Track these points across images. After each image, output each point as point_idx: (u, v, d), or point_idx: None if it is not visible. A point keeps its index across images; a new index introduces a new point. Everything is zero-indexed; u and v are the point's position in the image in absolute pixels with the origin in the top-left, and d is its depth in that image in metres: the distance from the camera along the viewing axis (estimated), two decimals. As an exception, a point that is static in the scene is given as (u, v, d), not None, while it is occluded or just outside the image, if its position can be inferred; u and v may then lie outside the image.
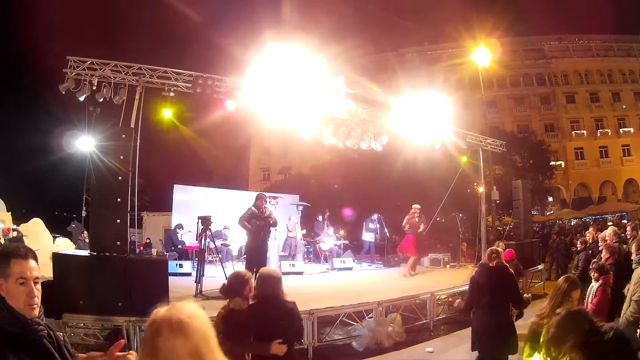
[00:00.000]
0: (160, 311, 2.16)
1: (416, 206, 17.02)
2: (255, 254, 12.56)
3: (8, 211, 23.74)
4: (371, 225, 20.39)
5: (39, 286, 2.73)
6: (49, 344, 2.64)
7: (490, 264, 7.47)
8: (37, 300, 2.68)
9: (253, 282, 5.40)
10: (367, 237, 20.56)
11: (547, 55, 58.77)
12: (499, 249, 7.87)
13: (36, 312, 2.68)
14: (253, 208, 12.71)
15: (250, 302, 5.28)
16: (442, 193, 19.27)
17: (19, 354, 2.46)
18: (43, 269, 9.80)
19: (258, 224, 12.42)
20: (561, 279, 5.57)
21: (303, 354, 9.53)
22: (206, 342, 2.16)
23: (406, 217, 16.95)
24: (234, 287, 5.34)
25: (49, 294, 9.28)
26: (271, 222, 12.89)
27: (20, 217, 23.21)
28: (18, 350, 2.48)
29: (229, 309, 5.22)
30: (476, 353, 7.44)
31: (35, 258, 2.79)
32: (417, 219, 16.82)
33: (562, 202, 54.75)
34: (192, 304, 2.26)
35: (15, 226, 19.92)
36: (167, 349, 2.08)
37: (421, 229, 16.86)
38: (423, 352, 10.62)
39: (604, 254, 9.55)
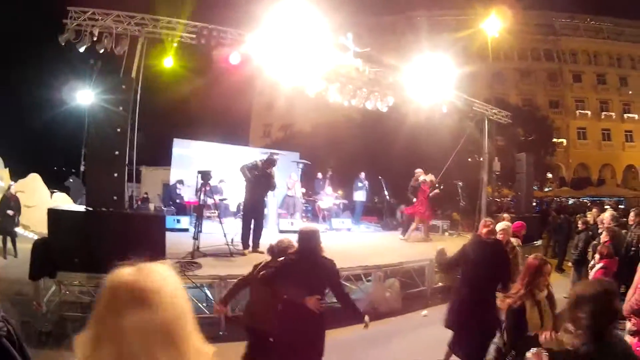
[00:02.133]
0: (122, 273, 1.67)
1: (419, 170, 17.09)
2: (251, 208, 12.40)
3: (6, 167, 23.58)
4: (359, 184, 20.40)
5: None
6: (9, 343, 2.29)
7: (485, 238, 7.21)
8: None
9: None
10: (356, 196, 20.60)
11: (557, 32, 58.31)
12: (490, 221, 7.59)
13: None
14: (259, 162, 12.53)
15: (289, 255, 5.81)
16: (444, 159, 19.17)
17: None
18: (40, 225, 9.64)
19: (257, 175, 12.26)
20: (530, 257, 5.68)
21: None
22: (179, 319, 1.64)
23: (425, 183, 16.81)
24: (279, 251, 6.06)
25: (44, 251, 9.21)
26: (270, 181, 12.75)
27: (19, 173, 23.03)
28: None
29: (263, 263, 6.08)
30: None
31: None
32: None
33: (561, 180, 54.70)
34: (164, 267, 1.73)
35: (12, 183, 19.71)
36: (127, 325, 1.55)
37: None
38: (419, 319, 10.59)
39: (604, 237, 9.45)
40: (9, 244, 15.18)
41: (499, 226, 8.29)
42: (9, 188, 16.69)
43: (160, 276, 1.66)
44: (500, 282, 6.84)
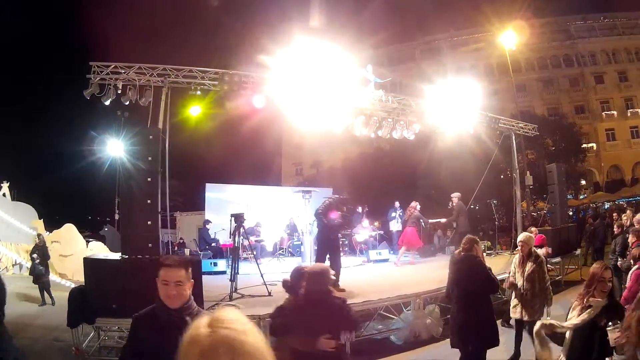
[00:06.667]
0: (199, 327, 1.64)
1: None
2: (325, 247, 12.02)
3: (40, 218, 23.98)
4: (393, 214, 20.44)
5: (182, 287, 3.59)
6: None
7: (460, 254, 7.31)
8: (174, 295, 3.55)
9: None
10: (392, 226, 20.61)
11: (573, 35, 57.78)
12: (475, 237, 7.57)
13: (175, 304, 3.55)
14: (333, 203, 12.23)
15: (296, 301, 5.36)
16: (476, 179, 19.08)
17: (157, 332, 3.40)
18: (78, 273, 9.87)
19: (336, 218, 11.95)
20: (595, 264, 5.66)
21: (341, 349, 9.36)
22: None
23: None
24: (293, 282, 5.62)
25: (81, 298, 9.35)
26: (345, 220, 12.75)
27: (53, 223, 23.42)
28: (157, 330, 3.44)
29: (278, 306, 5.45)
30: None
31: (183, 267, 3.68)
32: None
33: (595, 185, 53.93)
34: (235, 312, 1.71)
35: (41, 233, 20.02)
36: None
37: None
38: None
39: (631, 238, 9.32)
40: (46, 292, 15.37)
41: (519, 237, 8.71)
42: (38, 237, 16.89)
43: (237, 322, 1.65)
44: (485, 291, 6.98)
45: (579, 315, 5.25)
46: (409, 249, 17.15)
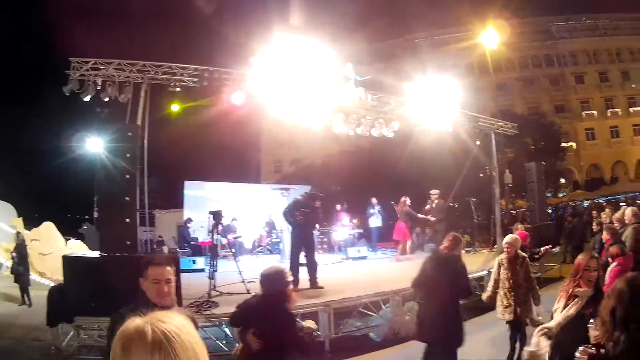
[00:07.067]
0: (134, 322, 1.60)
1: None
2: (299, 244, 12.02)
3: (19, 217, 23.74)
4: (371, 211, 20.46)
5: (171, 284, 3.77)
6: None
7: (441, 252, 7.28)
8: (166, 293, 3.72)
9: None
10: (371, 223, 20.66)
11: (554, 36, 58.39)
12: (459, 235, 7.60)
13: (166, 301, 3.68)
14: (301, 199, 12.39)
15: (250, 300, 5.43)
16: (455, 177, 19.19)
17: None
18: (57, 272, 9.72)
19: (303, 212, 11.95)
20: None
21: (320, 346, 9.37)
22: None
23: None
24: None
25: (60, 297, 9.26)
26: (317, 216, 12.72)
27: (32, 222, 23.18)
28: None
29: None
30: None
31: (170, 264, 3.85)
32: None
33: (575, 184, 54.42)
34: (177, 314, 1.70)
35: (26, 231, 19.83)
36: None
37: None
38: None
39: (605, 235, 9.35)
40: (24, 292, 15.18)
41: (505, 240, 8.52)
42: (17, 236, 16.80)
43: (172, 324, 1.60)
44: (460, 295, 6.98)
45: (565, 306, 5.19)
46: (398, 243, 17.27)
